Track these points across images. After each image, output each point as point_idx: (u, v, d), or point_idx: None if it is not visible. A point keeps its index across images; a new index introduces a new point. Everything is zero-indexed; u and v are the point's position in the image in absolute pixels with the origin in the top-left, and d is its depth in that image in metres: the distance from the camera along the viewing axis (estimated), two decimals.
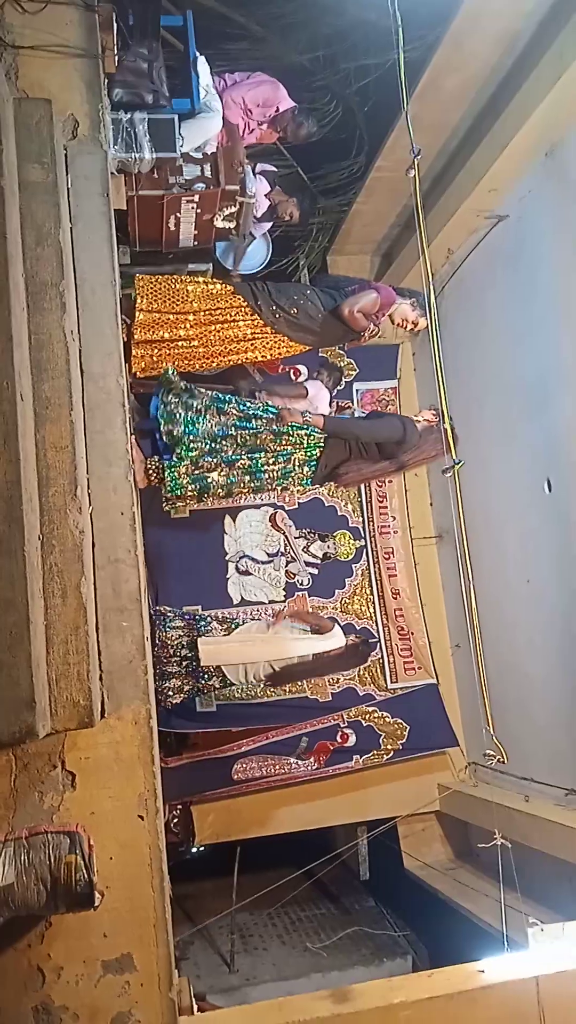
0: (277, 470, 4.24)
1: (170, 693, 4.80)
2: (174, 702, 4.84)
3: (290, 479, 4.30)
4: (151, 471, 4.28)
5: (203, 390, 4.23)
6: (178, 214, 4.19)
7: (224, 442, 4.15)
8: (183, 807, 6.00)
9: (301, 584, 6.44)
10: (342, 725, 6.14)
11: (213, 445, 4.13)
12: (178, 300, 4.16)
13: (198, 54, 4.26)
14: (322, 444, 4.25)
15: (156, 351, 4.23)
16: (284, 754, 5.96)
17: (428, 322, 4.29)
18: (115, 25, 3.52)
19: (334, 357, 6.71)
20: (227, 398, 4.26)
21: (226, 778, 5.84)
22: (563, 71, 4.47)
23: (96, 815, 2.89)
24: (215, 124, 4.23)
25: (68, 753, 2.92)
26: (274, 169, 5.20)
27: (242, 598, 6.28)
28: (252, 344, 4.37)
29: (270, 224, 5.19)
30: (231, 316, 4.23)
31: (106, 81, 3.57)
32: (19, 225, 2.97)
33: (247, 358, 4.60)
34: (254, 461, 4.19)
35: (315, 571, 6.48)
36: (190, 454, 4.10)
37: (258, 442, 4.19)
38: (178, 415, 4.10)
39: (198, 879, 6.74)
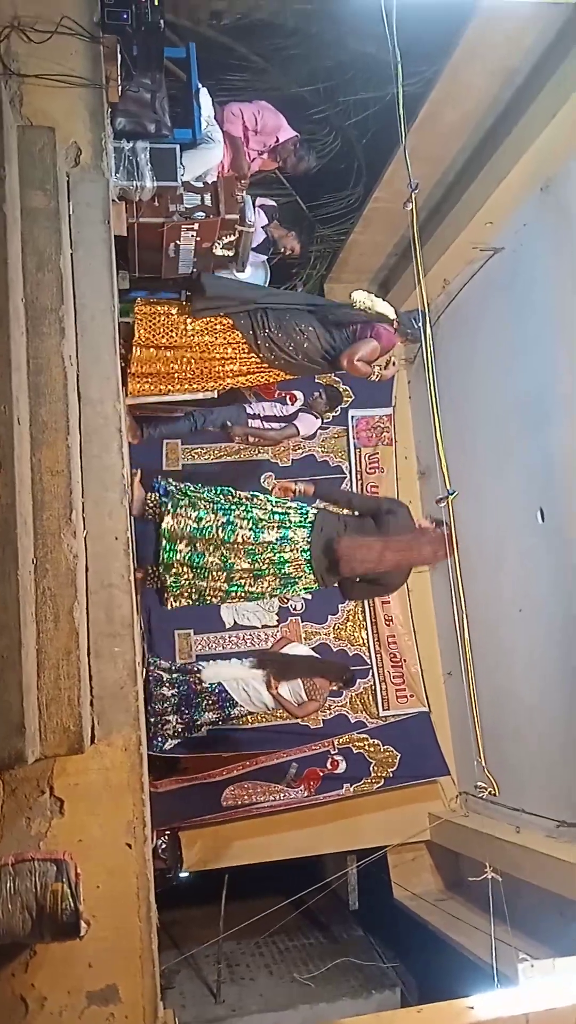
0: (274, 557, 4.00)
1: (168, 734, 4.85)
2: (170, 742, 4.89)
3: (288, 565, 4.01)
4: (150, 577, 4.15)
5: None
6: (178, 241, 4.23)
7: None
8: (171, 833, 5.94)
9: (294, 609, 6.43)
10: (332, 752, 6.10)
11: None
12: (176, 334, 4.17)
13: (200, 85, 4.32)
14: (313, 519, 4.05)
15: (154, 381, 4.27)
16: (274, 780, 5.92)
17: (424, 351, 4.32)
18: (119, 56, 3.57)
19: (331, 382, 6.75)
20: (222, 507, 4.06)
21: (215, 804, 5.80)
22: (560, 107, 4.55)
23: (84, 842, 2.86)
24: (216, 154, 4.29)
25: (57, 779, 2.89)
26: (273, 204, 5.27)
27: (235, 622, 6.26)
28: (248, 378, 4.40)
29: (265, 257, 5.25)
30: (228, 353, 4.25)
31: (109, 110, 3.62)
32: (20, 250, 3.00)
33: (243, 383, 4.64)
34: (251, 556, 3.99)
35: (308, 596, 6.47)
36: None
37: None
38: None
39: (185, 906, 6.66)
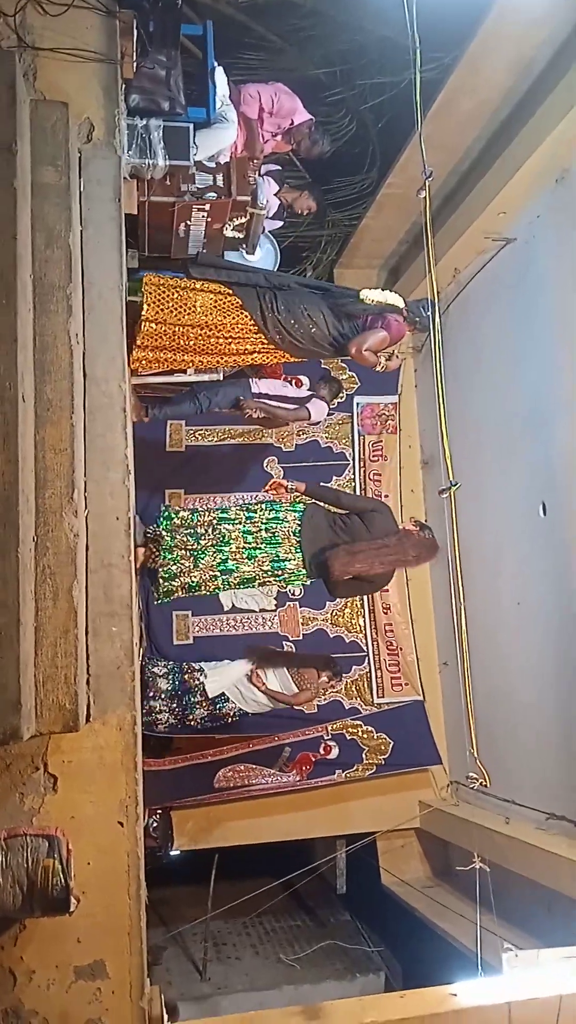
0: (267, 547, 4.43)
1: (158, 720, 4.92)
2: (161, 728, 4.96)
3: (280, 548, 4.41)
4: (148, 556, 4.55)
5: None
6: (188, 221, 4.21)
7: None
8: (163, 811, 5.99)
9: (293, 594, 6.43)
10: (326, 737, 6.13)
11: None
12: (185, 311, 4.12)
13: (216, 64, 4.27)
14: (303, 509, 4.41)
15: (159, 355, 4.23)
16: (266, 764, 5.95)
17: (432, 341, 4.30)
18: (135, 32, 3.53)
19: (336, 369, 6.73)
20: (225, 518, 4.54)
21: (208, 785, 5.83)
22: None
23: (76, 819, 2.88)
24: (229, 135, 4.25)
25: (51, 756, 2.91)
26: (278, 168, 5.22)
27: (233, 605, 6.26)
28: (255, 356, 4.37)
29: (281, 224, 5.22)
30: (236, 332, 4.21)
31: (123, 86, 3.58)
32: (30, 226, 2.98)
33: (249, 362, 4.61)
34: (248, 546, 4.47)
35: (308, 582, 6.48)
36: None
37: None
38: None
39: (174, 884, 6.71)
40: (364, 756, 6.20)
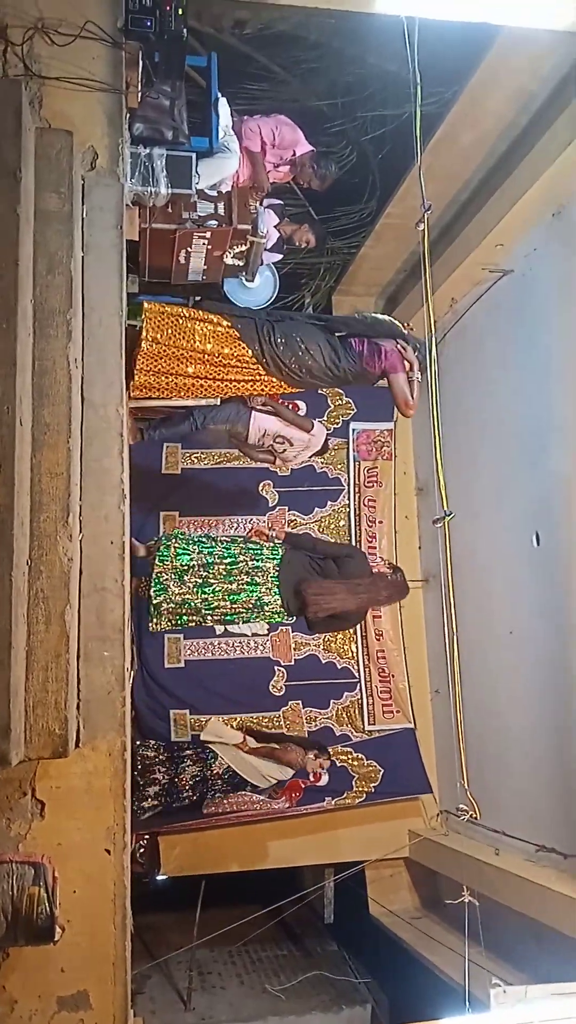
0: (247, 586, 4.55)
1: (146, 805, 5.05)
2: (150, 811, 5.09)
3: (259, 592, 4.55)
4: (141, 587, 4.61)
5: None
6: (189, 248, 4.24)
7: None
8: (150, 837, 5.93)
9: (286, 620, 6.41)
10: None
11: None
12: (184, 336, 4.16)
13: (219, 95, 4.33)
14: (281, 554, 4.60)
15: (158, 380, 4.25)
16: (255, 790, 5.91)
17: (428, 371, 4.33)
18: (141, 62, 3.58)
19: (333, 396, 6.77)
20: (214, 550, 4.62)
21: (196, 811, 5.78)
22: (575, 135, 4.58)
23: (63, 846, 2.86)
24: (231, 164, 4.30)
25: (39, 781, 2.89)
26: (280, 202, 5.28)
27: (225, 629, 6.24)
28: (253, 386, 4.40)
29: (280, 256, 5.26)
30: (234, 363, 4.25)
31: (128, 116, 3.63)
32: (32, 252, 3.01)
33: (247, 392, 4.64)
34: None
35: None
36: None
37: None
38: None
39: (160, 910, 6.63)
40: (354, 784, 6.17)
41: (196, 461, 6.54)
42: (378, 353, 4.37)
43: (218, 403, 4.77)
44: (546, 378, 5.14)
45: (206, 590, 4.49)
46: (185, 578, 4.47)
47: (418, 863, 6.36)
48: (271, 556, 4.57)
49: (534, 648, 5.23)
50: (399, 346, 4.44)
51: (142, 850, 5.87)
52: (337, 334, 4.43)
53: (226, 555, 4.54)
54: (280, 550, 4.64)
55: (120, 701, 3.06)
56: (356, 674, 6.46)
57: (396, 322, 4.54)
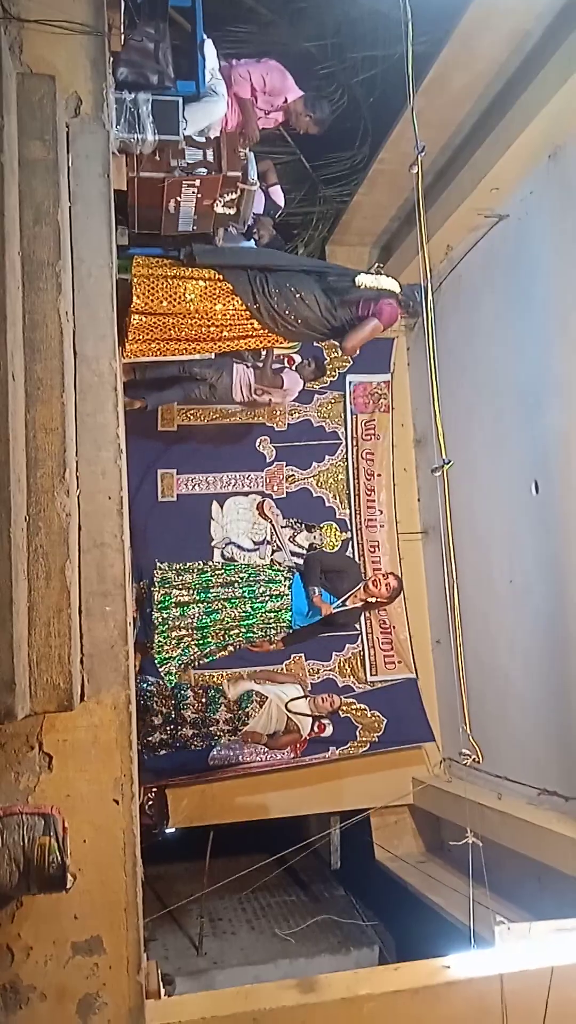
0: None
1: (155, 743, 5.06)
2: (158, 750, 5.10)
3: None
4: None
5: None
6: (178, 198, 4.15)
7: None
8: (158, 790, 6.02)
9: None
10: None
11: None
12: (175, 300, 4.09)
13: (205, 37, 4.20)
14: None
15: (150, 347, 4.20)
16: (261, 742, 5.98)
17: (424, 320, 4.28)
18: (123, 3, 3.46)
19: (329, 349, 6.70)
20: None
21: (202, 763, 5.86)
22: (570, 74, 4.47)
23: (71, 798, 2.89)
24: (220, 108, 4.18)
25: (46, 735, 2.91)
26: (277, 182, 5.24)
27: None
28: (248, 341, 4.34)
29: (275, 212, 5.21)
30: (228, 319, 4.18)
31: (111, 60, 3.52)
32: (18, 202, 2.93)
33: (242, 347, 4.59)
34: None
35: (300, 561, 6.49)
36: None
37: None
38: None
39: (170, 861, 6.77)
40: (358, 734, 6.25)
41: (192, 418, 6.51)
42: (373, 305, 4.33)
43: (212, 357, 4.73)
44: (544, 323, 5.09)
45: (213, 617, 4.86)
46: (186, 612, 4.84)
47: (422, 809, 6.46)
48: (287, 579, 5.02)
49: (533, 596, 5.25)
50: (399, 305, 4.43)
51: (150, 803, 5.96)
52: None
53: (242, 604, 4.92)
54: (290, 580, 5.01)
55: (123, 655, 3.07)
56: (358, 627, 6.50)
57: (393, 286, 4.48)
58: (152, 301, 4.07)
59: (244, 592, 4.93)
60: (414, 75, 3.95)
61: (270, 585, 4.99)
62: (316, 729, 6.10)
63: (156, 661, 4.83)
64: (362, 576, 5.30)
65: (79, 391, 3.14)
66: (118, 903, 2.89)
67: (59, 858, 2.63)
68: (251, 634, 4.99)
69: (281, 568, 5.25)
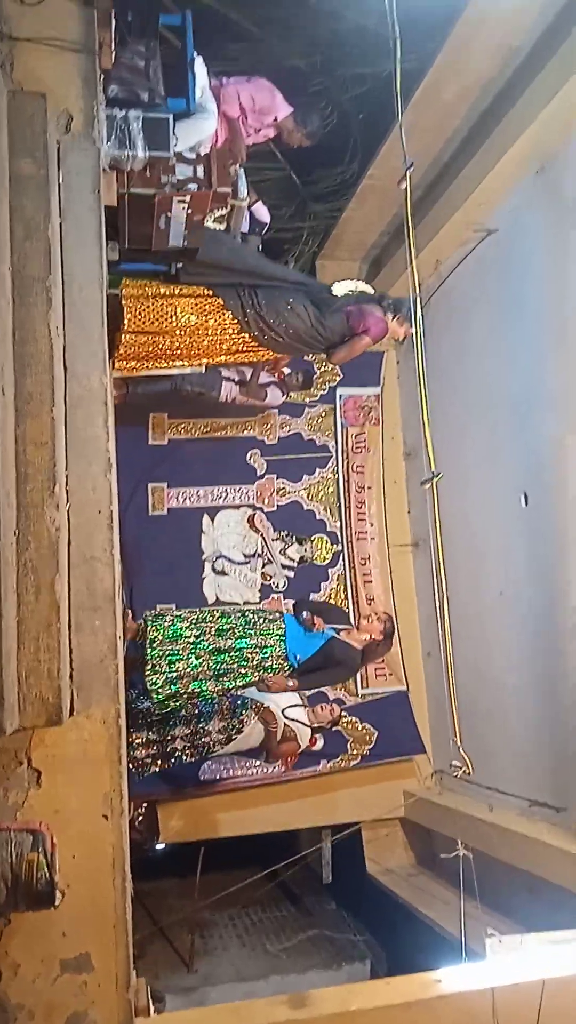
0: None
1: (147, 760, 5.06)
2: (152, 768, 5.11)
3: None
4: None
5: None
6: (169, 213, 4.16)
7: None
8: (148, 805, 5.99)
9: (277, 587, 6.45)
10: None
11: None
12: (165, 319, 4.13)
13: (196, 54, 4.24)
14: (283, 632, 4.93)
15: (142, 364, 4.22)
16: (252, 756, 5.96)
17: (413, 331, 4.32)
18: (114, 21, 3.49)
19: (319, 361, 6.73)
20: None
21: (192, 778, 5.83)
22: (558, 88, 4.53)
23: (60, 813, 2.87)
24: (210, 125, 4.22)
25: (35, 750, 2.90)
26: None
27: (217, 598, 6.28)
28: (238, 356, 4.39)
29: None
30: (218, 333, 4.22)
31: (102, 77, 3.55)
32: (8, 218, 2.95)
33: (232, 360, 4.62)
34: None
35: (291, 574, 6.50)
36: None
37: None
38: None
39: (160, 877, 6.73)
40: (349, 746, 6.23)
41: (183, 431, 6.52)
42: (362, 320, 4.37)
43: (203, 370, 4.75)
44: (533, 336, 5.13)
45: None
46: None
47: (413, 822, 6.45)
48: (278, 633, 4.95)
49: (524, 608, 5.27)
50: (389, 317, 4.46)
51: (140, 818, 5.93)
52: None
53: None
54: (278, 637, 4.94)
55: (113, 669, 3.06)
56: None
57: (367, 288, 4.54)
58: (143, 322, 4.11)
59: (236, 642, 4.89)
60: (403, 91, 4.00)
61: (262, 636, 4.95)
62: (308, 742, 6.09)
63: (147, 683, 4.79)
64: (349, 620, 5.42)
65: (69, 406, 3.14)
66: (107, 920, 2.87)
67: (47, 874, 2.62)
68: (246, 676, 4.92)
69: (273, 617, 5.15)
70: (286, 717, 5.05)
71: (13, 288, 2.93)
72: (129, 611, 5.19)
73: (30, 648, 2.78)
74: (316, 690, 6.24)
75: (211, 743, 5.00)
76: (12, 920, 2.78)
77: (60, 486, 2.95)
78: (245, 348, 4.32)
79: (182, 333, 4.16)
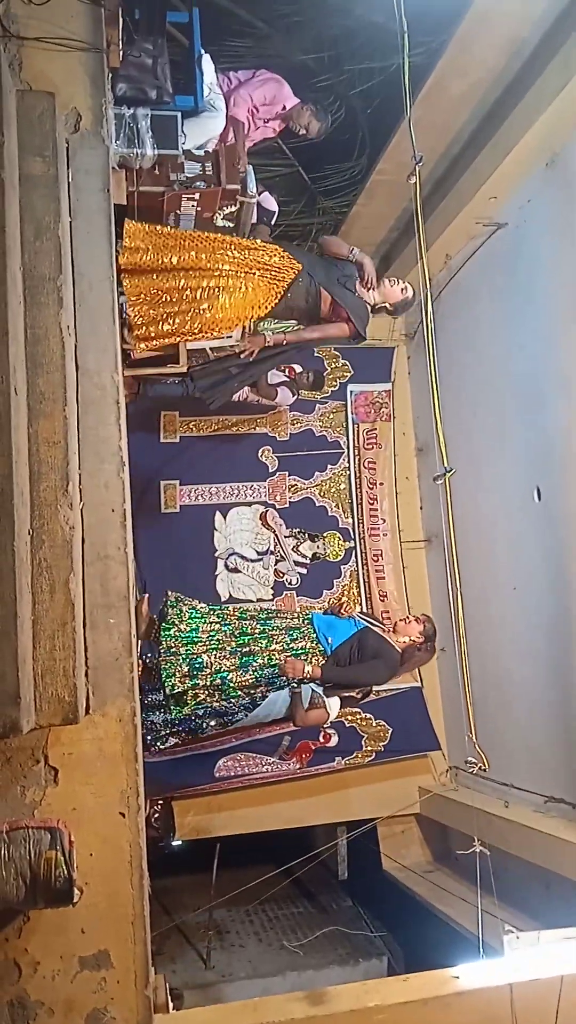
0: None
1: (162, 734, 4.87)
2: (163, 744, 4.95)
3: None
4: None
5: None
6: (178, 211, 4.17)
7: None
8: (164, 802, 6.01)
9: (290, 584, 6.45)
10: (325, 725, 6.15)
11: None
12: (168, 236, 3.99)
13: (203, 52, 4.24)
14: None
15: (143, 280, 4.02)
16: (266, 753, 5.97)
17: (425, 329, 4.30)
18: (121, 20, 3.50)
19: (329, 359, 6.73)
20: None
21: (208, 774, 5.85)
22: (567, 81, 4.50)
23: (78, 811, 2.89)
24: (218, 123, 4.22)
25: (51, 748, 2.92)
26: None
27: (230, 595, 6.28)
28: (240, 294, 4.14)
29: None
30: (217, 243, 4.05)
31: (110, 75, 3.55)
32: (18, 218, 2.96)
33: (222, 284, 4.35)
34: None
35: (304, 571, 6.50)
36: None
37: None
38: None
39: (177, 874, 6.74)
40: (363, 743, 6.23)
41: (195, 429, 6.52)
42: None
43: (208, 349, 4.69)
44: (544, 330, 5.10)
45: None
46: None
47: (429, 819, 6.44)
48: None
49: (538, 603, 5.25)
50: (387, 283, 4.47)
51: (156, 815, 5.95)
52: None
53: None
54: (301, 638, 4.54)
55: (128, 667, 3.07)
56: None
57: None
58: (142, 240, 3.92)
59: (261, 624, 4.60)
60: (411, 85, 3.98)
61: (289, 619, 4.67)
62: (322, 739, 6.10)
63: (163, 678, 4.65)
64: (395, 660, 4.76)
65: (81, 404, 3.15)
66: (125, 916, 2.89)
67: (66, 872, 2.63)
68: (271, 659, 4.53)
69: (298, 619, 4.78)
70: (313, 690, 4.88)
71: (24, 287, 2.94)
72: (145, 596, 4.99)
73: (46, 647, 2.79)
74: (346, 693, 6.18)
75: (235, 709, 4.89)
76: (31, 918, 2.80)
77: (73, 485, 2.96)
78: (246, 275, 4.12)
79: (183, 242, 4.01)
